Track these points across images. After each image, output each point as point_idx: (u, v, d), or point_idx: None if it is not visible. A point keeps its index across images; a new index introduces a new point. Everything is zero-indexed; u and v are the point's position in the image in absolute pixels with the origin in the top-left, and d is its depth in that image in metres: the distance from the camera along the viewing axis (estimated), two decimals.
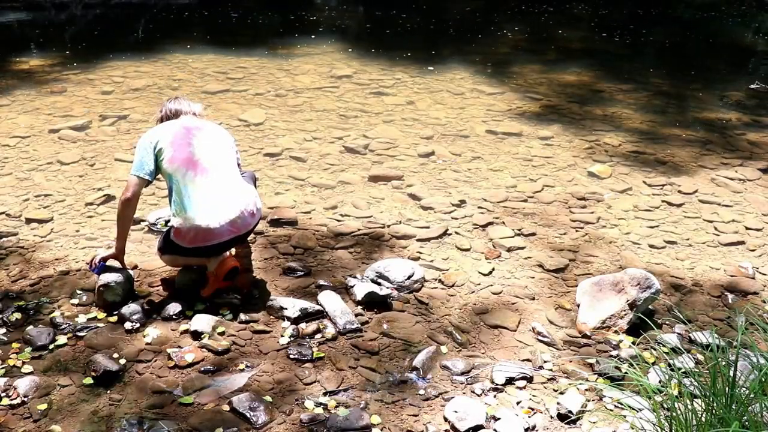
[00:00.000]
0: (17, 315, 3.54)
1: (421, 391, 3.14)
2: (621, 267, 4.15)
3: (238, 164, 3.90)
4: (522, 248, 4.40)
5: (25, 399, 2.99)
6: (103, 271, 3.67)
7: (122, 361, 3.25)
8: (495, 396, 3.12)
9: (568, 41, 10.19)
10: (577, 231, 4.66)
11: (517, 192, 5.16)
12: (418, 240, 4.45)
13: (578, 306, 3.75)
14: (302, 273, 4.02)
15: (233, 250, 3.97)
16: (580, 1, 13.02)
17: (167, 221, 4.22)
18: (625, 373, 3.14)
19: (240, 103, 6.80)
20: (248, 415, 2.93)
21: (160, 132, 3.70)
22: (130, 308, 3.57)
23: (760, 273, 4.26)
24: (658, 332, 3.47)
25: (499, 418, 2.95)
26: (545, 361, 3.36)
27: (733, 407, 2.45)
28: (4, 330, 3.44)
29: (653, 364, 3.27)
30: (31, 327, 3.44)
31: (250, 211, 3.69)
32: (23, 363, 3.21)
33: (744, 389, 2.51)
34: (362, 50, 8.92)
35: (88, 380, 3.12)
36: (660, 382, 2.85)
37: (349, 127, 6.27)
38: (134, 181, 3.59)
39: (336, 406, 3.01)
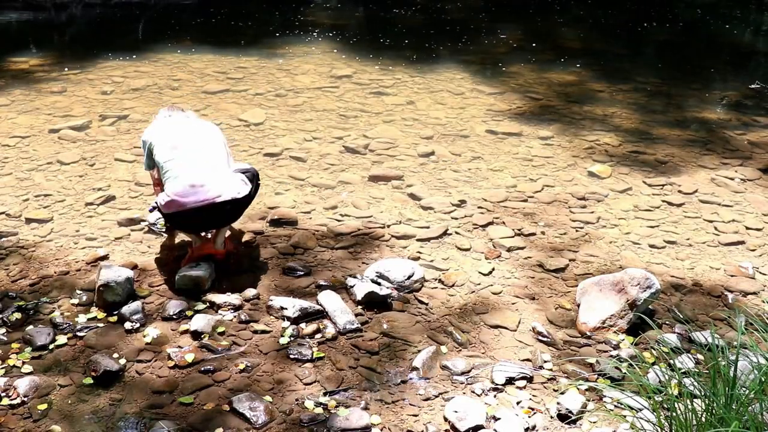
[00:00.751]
0: (17, 315, 3.54)
1: (421, 391, 3.14)
2: (621, 267, 4.15)
3: (230, 159, 4.12)
4: (522, 248, 4.40)
5: (25, 399, 2.99)
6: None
7: (122, 361, 3.25)
8: (495, 396, 3.12)
9: (568, 41, 10.18)
10: (577, 231, 4.66)
11: (517, 192, 5.16)
12: (418, 240, 4.45)
13: (578, 306, 3.75)
14: (302, 273, 4.02)
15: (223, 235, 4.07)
16: (580, 0, 13.02)
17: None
18: (625, 373, 3.14)
19: (240, 103, 6.81)
20: (248, 415, 2.93)
21: (152, 132, 4.07)
22: (130, 308, 3.57)
23: (760, 273, 4.26)
24: (658, 332, 3.47)
25: (499, 418, 2.95)
26: (545, 361, 3.36)
27: (733, 407, 2.45)
28: (4, 330, 3.44)
29: (653, 364, 3.27)
30: (31, 327, 3.44)
31: (228, 192, 3.80)
32: (23, 363, 3.22)
33: (744, 389, 2.51)
34: (362, 50, 8.92)
35: (88, 380, 3.12)
36: (660, 382, 2.85)
37: (349, 127, 6.27)
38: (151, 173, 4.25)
39: (336, 406, 3.01)
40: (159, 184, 4.05)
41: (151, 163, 4.05)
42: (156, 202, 3.88)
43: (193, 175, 3.80)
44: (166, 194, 3.79)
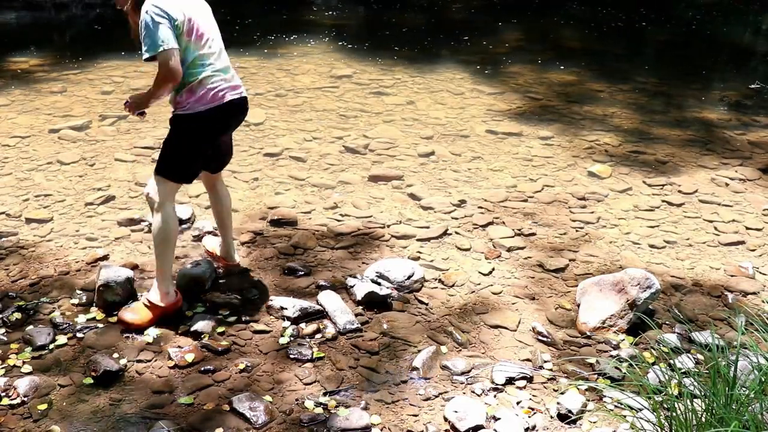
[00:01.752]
0: (17, 315, 3.54)
1: (421, 391, 3.14)
2: (621, 267, 4.15)
3: None
4: (522, 248, 4.40)
5: (25, 399, 2.99)
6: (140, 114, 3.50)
7: (122, 361, 3.25)
8: (495, 396, 3.12)
9: (568, 41, 10.18)
10: (577, 231, 4.66)
11: (517, 192, 5.16)
12: (418, 240, 4.45)
13: (578, 306, 3.75)
14: (302, 273, 4.02)
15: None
16: (580, 0, 13.02)
17: None
18: (625, 373, 3.14)
19: None
20: (248, 415, 2.93)
21: (167, 5, 3.21)
22: None
23: (760, 273, 4.26)
24: (658, 332, 3.47)
25: (499, 418, 2.95)
26: (545, 361, 3.36)
27: (733, 407, 2.45)
28: (4, 330, 3.44)
29: (653, 364, 3.27)
30: (31, 327, 3.44)
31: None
32: (23, 363, 3.21)
33: (744, 389, 2.51)
34: (362, 50, 8.92)
35: (88, 380, 3.12)
36: (660, 382, 2.85)
37: (349, 127, 6.27)
38: (169, 55, 3.16)
39: (336, 406, 3.01)
40: (169, 78, 3.23)
41: (174, 41, 3.17)
42: (180, 105, 3.34)
43: (222, 68, 3.46)
44: (204, 88, 3.34)
